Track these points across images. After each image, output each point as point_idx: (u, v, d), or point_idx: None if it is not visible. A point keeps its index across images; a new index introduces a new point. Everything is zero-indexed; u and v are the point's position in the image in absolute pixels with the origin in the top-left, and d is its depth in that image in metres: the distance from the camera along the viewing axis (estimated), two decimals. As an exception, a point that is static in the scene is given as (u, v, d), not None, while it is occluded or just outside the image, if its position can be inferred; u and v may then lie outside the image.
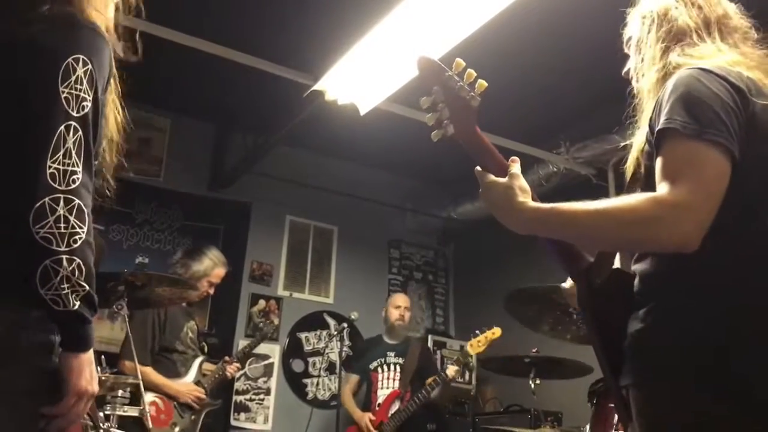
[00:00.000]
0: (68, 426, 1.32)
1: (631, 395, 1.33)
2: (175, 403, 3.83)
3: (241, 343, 5.38)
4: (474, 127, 1.42)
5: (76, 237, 1.26)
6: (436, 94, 1.41)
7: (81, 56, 1.31)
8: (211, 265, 4.07)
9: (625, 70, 1.64)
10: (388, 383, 4.74)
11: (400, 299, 5.07)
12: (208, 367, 4.06)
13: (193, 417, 3.89)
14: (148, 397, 3.67)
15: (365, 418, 4.56)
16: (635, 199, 1.25)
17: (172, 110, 5.32)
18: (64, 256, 1.24)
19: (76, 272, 1.26)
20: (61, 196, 1.25)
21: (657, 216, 1.21)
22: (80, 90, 1.30)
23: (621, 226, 1.24)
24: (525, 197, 1.36)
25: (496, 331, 4.31)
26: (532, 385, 3.59)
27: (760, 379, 1.23)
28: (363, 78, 3.89)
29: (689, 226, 1.20)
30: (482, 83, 1.39)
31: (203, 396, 3.90)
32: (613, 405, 2.67)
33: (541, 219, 1.32)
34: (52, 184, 1.24)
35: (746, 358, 1.24)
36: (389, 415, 4.52)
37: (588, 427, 3.00)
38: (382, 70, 3.78)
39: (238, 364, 4.17)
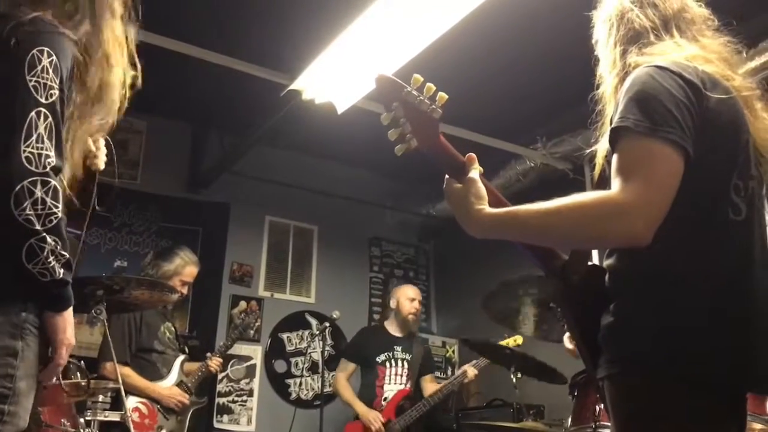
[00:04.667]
0: (56, 374, 1.50)
1: (606, 387, 1.36)
2: (158, 405, 3.81)
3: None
4: (437, 137, 1.45)
5: (52, 217, 1.35)
6: (396, 110, 1.44)
7: (45, 48, 1.40)
8: (182, 264, 4.07)
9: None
10: (396, 379, 4.68)
11: (414, 291, 4.90)
12: (190, 367, 4.04)
13: (179, 418, 3.87)
14: (131, 402, 3.65)
15: (374, 414, 4.44)
16: (585, 197, 1.27)
17: (147, 112, 5.27)
18: (46, 234, 1.34)
19: (58, 245, 1.36)
20: (38, 178, 1.34)
21: (606, 213, 1.23)
22: (47, 79, 1.38)
23: (573, 225, 1.27)
24: (481, 204, 1.38)
25: (518, 339, 4.20)
26: (514, 380, 3.63)
27: (731, 367, 1.26)
28: (340, 77, 3.89)
29: (638, 222, 1.22)
30: (443, 96, 1.43)
31: (186, 401, 3.88)
32: (597, 395, 2.70)
33: (496, 225, 1.35)
34: (29, 167, 1.33)
35: (714, 347, 1.26)
36: (396, 411, 4.50)
37: (570, 419, 3.02)
38: (358, 68, 3.78)
39: (220, 359, 4.15)
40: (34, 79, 1.36)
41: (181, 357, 4.06)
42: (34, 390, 1.42)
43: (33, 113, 1.35)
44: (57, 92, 1.40)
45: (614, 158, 1.30)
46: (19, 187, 1.31)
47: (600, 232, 1.25)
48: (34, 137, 1.34)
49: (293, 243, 5.94)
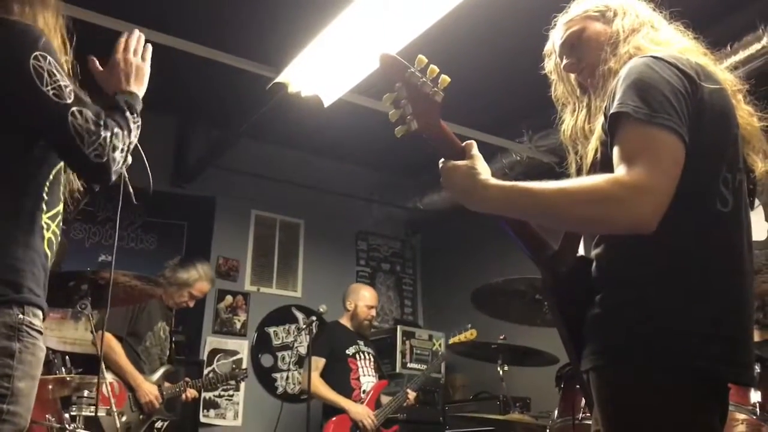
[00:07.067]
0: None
1: (591, 379, 1.36)
2: (130, 394, 3.80)
3: (209, 340, 5.35)
4: (438, 121, 1.43)
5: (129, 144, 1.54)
6: (398, 90, 1.42)
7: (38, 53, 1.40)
8: (196, 277, 4.12)
9: (566, 63, 1.65)
10: (368, 371, 4.67)
11: (373, 298, 4.88)
12: (168, 384, 4.04)
13: (141, 417, 3.84)
14: (108, 377, 3.64)
15: (365, 411, 4.38)
16: (595, 179, 1.27)
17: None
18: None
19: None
20: (119, 156, 1.46)
21: (616, 196, 1.23)
22: (58, 80, 1.40)
23: (580, 204, 1.26)
24: (486, 175, 1.38)
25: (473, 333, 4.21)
26: (501, 372, 3.64)
27: (714, 358, 1.27)
28: (326, 69, 3.88)
29: (647, 207, 1.22)
30: (445, 78, 1.41)
31: (157, 404, 3.85)
32: (579, 387, 2.72)
33: (503, 196, 1.34)
34: (101, 161, 1.41)
35: (699, 339, 1.27)
36: (375, 404, 4.50)
37: (556, 411, 3.04)
38: (344, 61, 3.77)
39: (195, 393, 4.14)
40: (50, 87, 1.42)
41: (167, 367, 4.08)
42: (34, 391, 1.42)
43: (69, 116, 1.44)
44: (70, 85, 1.46)
45: (616, 145, 1.30)
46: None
47: (606, 214, 1.24)
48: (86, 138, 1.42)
49: (279, 237, 5.92)
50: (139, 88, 1.66)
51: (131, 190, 1.81)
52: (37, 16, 1.50)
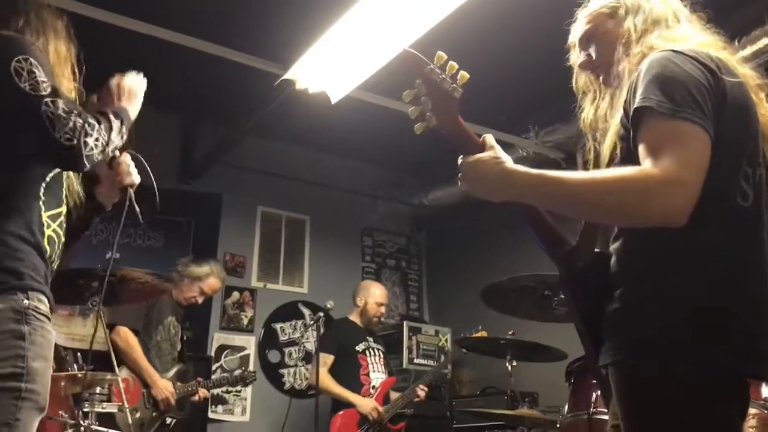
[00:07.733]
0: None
1: (610, 374, 1.36)
2: (144, 391, 3.82)
3: (216, 336, 5.36)
4: (456, 117, 1.44)
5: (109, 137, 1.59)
6: (418, 87, 1.42)
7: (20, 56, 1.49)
8: (207, 272, 4.21)
9: (581, 60, 1.65)
10: (378, 367, 4.67)
11: (383, 295, 4.87)
12: (180, 384, 4.07)
13: (155, 414, 3.87)
14: (122, 373, 3.67)
15: (372, 404, 4.39)
16: (625, 170, 1.26)
17: (138, 102, 5.24)
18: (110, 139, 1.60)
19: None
20: (92, 143, 1.49)
21: (648, 187, 1.22)
22: (36, 76, 1.48)
23: (610, 194, 1.25)
24: (511, 164, 1.38)
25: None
26: (509, 367, 3.64)
27: (736, 352, 1.27)
28: (334, 66, 3.88)
29: (679, 200, 1.21)
30: (464, 75, 1.41)
31: (173, 401, 3.89)
32: (593, 382, 2.72)
33: (531, 182, 1.33)
34: (71, 143, 1.45)
35: (720, 333, 1.27)
36: (383, 400, 4.51)
37: (566, 406, 3.05)
38: (352, 58, 3.77)
39: (207, 393, 4.21)
40: (27, 84, 1.48)
41: (180, 366, 4.11)
42: (49, 372, 1.48)
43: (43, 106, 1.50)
44: (48, 81, 1.50)
45: (642, 140, 1.29)
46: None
47: (637, 205, 1.23)
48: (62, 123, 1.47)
49: (285, 233, 5.93)
50: (130, 106, 1.72)
51: (138, 209, 1.83)
52: (49, 45, 1.61)
